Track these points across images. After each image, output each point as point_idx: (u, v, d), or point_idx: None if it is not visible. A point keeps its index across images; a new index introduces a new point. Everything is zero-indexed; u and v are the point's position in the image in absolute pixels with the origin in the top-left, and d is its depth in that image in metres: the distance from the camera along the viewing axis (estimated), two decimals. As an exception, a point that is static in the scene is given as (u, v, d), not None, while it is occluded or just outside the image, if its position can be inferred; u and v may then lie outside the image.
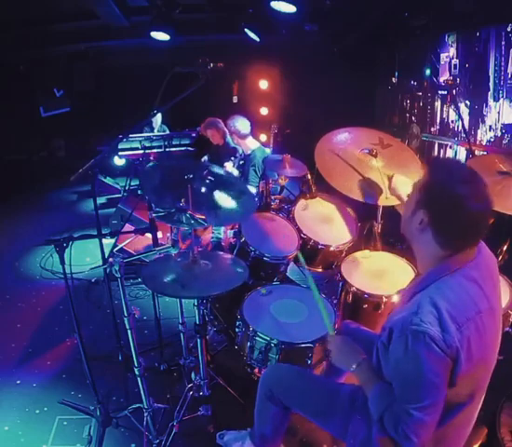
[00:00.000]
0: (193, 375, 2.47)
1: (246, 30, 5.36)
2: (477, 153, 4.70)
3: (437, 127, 5.63)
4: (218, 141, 4.49)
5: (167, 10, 4.92)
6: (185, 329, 2.49)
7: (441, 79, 5.39)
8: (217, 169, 2.07)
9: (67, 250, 1.83)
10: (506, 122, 4.46)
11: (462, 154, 5.26)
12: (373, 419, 1.38)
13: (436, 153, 5.70)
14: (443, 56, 5.28)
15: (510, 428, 2.03)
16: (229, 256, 2.23)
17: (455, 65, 5.10)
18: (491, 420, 2.07)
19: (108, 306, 3.03)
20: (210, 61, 2.22)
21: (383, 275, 2.43)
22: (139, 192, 4.86)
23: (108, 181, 6.39)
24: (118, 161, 6.45)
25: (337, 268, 2.54)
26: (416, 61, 5.83)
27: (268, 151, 4.21)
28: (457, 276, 1.30)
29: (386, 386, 1.37)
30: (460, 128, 5.18)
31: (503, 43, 4.33)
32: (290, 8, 4.30)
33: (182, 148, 4.51)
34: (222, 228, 3.65)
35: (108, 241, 3.67)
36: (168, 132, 5.92)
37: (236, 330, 2.11)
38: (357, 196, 2.26)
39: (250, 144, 4.15)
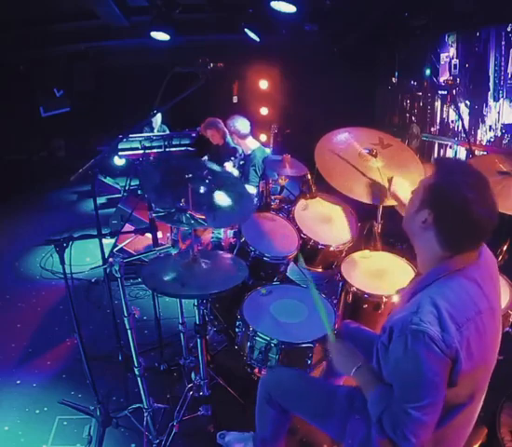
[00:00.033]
0: (193, 375, 2.47)
1: (246, 30, 5.36)
2: (477, 153, 4.70)
3: (437, 127, 5.63)
4: (218, 141, 4.49)
5: (167, 10, 4.92)
6: (185, 329, 2.49)
7: (441, 79, 5.39)
8: (214, 167, 2.07)
9: (67, 250, 1.83)
10: (506, 122, 4.46)
11: (462, 154, 5.26)
12: (372, 421, 1.38)
13: (436, 153, 5.70)
14: (443, 56, 5.28)
15: (510, 428, 2.03)
16: (229, 255, 2.23)
17: (455, 65, 5.11)
18: (491, 420, 2.07)
19: (108, 306, 3.03)
20: (210, 61, 2.22)
21: (383, 275, 2.43)
22: (139, 192, 4.87)
23: (108, 181, 6.39)
24: (118, 161, 6.45)
25: (337, 268, 2.53)
26: (416, 61, 5.84)
27: (268, 151, 4.21)
28: (458, 276, 1.30)
29: (386, 388, 1.37)
30: (460, 128, 5.18)
31: (503, 43, 4.33)
32: (290, 8, 4.30)
33: (182, 148, 4.51)
34: (222, 228, 3.65)
35: (108, 241, 3.67)
36: (168, 132, 5.92)
37: (236, 330, 2.10)
38: (358, 196, 2.25)
39: (250, 144, 4.15)
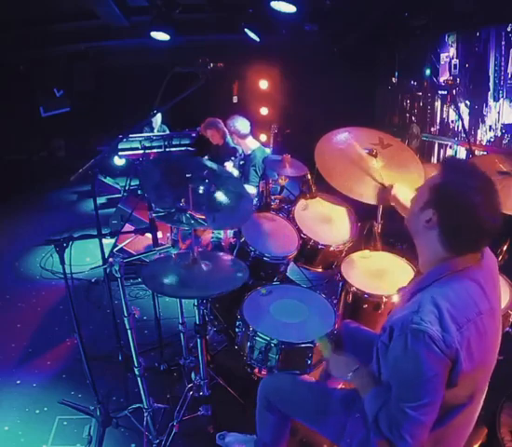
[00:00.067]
0: (193, 375, 2.47)
1: (246, 30, 5.36)
2: (477, 153, 4.70)
3: (437, 127, 5.63)
4: (218, 141, 4.49)
5: (167, 10, 4.92)
6: (185, 329, 2.49)
7: (441, 79, 5.40)
8: (214, 165, 2.07)
9: (67, 250, 1.83)
10: (506, 122, 4.46)
11: (462, 154, 5.26)
12: (368, 421, 1.38)
13: (436, 153, 5.70)
14: (443, 56, 5.28)
15: (510, 428, 2.03)
16: (229, 257, 2.23)
17: (455, 65, 5.11)
18: (491, 420, 2.07)
19: (108, 306, 3.03)
20: (210, 61, 2.22)
21: (383, 275, 2.43)
22: (139, 192, 4.88)
23: (108, 181, 6.39)
24: (118, 161, 6.45)
25: (337, 268, 2.53)
26: (416, 61, 5.84)
27: (268, 151, 4.21)
28: (459, 276, 1.30)
29: (382, 389, 1.37)
30: (460, 128, 5.18)
31: (503, 43, 4.33)
32: (290, 8, 4.30)
33: (182, 148, 4.51)
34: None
35: (108, 241, 3.67)
36: (167, 132, 5.93)
37: (236, 330, 2.10)
38: (358, 196, 2.25)
39: (250, 144, 4.15)
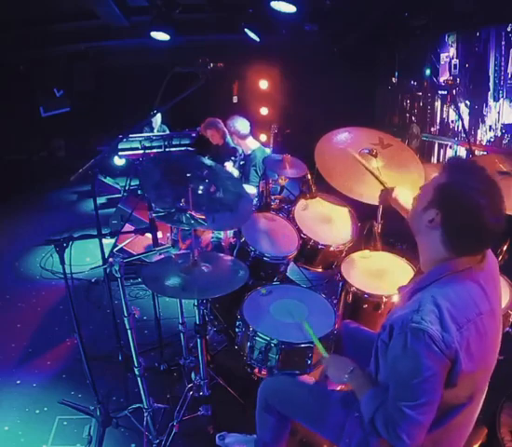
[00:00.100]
0: (193, 375, 2.47)
1: (246, 30, 5.36)
2: (477, 153, 4.70)
3: (437, 127, 5.64)
4: (218, 141, 4.49)
5: (167, 10, 4.92)
6: (185, 329, 2.49)
7: (441, 79, 5.40)
8: (211, 163, 2.07)
9: (67, 250, 1.83)
10: (506, 122, 4.46)
11: (462, 154, 5.26)
12: (365, 421, 1.38)
13: (436, 153, 5.70)
14: (443, 56, 5.28)
15: (510, 428, 2.03)
16: (230, 258, 2.23)
17: (455, 65, 5.11)
18: (491, 420, 2.06)
19: (108, 306, 3.03)
20: (210, 61, 2.21)
21: (383, 275, 2.43)
22: (139, 192, 4.88)
23: (108, 181, 6.39)
24: (118, 161, 6.45)
25: (337, 268, 2.53)
26: (416, 61, 5.84)
27: (268, 151, 4.21)
28: (460, 277, 1.29)
29: (380, 390, 1.37)
30: (460, 128, 5.18)
31: (503, 43, 4.33)
32: (290, 8, 4.30)
33: (182, 148, 4.52)
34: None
35: (108, 241, 3.67)
36: (167, 132, 5.93)
37: (236, 330, 2.10)
38: (358, 196, 2.25)
39: (251, 144, 4.15)
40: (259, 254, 2.50)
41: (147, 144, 4.26)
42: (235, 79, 7.11)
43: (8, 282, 4.06)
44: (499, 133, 4.57)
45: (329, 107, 6.16)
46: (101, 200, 6.15)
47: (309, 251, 2.63)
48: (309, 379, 1.88)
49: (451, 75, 5.21)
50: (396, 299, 2.19)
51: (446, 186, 1.29)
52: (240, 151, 4.24)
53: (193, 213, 1.88)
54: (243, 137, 4.09)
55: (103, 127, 6.54)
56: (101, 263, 2.28)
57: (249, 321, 2.00)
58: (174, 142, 4.44)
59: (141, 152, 4.25)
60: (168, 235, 2.94)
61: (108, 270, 1.87)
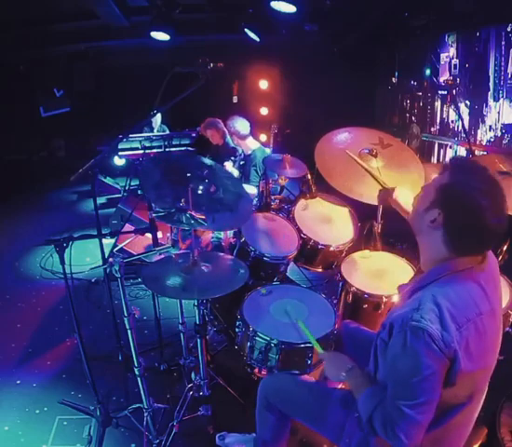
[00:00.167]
0: (193, 375, 2.47)
1: (246, 30, 5.36)
2: (477, 153, 4.70)
3: (437, 127, 5.64)
4: (217, 141, 4.49)
5: (167, 10, 4.92)
6: (185, 329, 2.49)
7: (441, 79, 5.40)
8: (211, 162, 2.07)
9: (67, 250, 1.83)
10: (506, 122, 4.46)
11: (462, 154, 5.26)
12: (363, 421, 1.38)
13: (436, 153, 5.70)
14: (443, 56, 5.29)
15: (510, 428, 2.03)
16: (230, 258, 2.23)
17: (455, 65, 5.11)
18: (491, 420, 2.06)
19: (108, 306, 3.03)
20: (210, 61, 2.21)
21: (383, 275, 2.43)
22: (139, 192, 4.88)
23: (108, 181, 6.39)
24: (118, 161, 6.45)
25: (337, 268, 2.53)
26: (416, 61, 5.84)
27: (268, 151, 4.21)
28: (461, 277, 1.29)
29: (378, 388, 1.37)
30: (460, 128, 5.18)
31: (503, 43, 4.33)
32: (290, 8, 4.30)
33: (182, 148, 4.52)
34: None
35: (108, 241, 3.67)
36: (167, 132, 5.93)
37: (236, 330, 2.10)
38: (358, 196, 2.25)
39: (251, 145, 4.15)
40: (259, 254, 2.50)
41: (147, 144, 4.26)
42: (235, 79, 7.11)
43: (8, 282, 4.06)
44: (499, 133, 4.57)
45: (329, 107, 6.16)
46: (101, 200, 6.15)
47: (309, 251, 2.63)
48: (309, 378, 1.88)
49: (451, 75, 5.21)
50: (396, 299, 2.19)
51: (448, 187, 1.29)
52: (240, 151, 4.24)
53: (193, 213, 1.88)
54: (243, 137, 4.09)
55: (103, 127, 6.54)
56: (101, 263, 2.28)
57: (249, 321, 2.00)
58: (174, 142, 4.44)
59: (141, 152, 4.25)
60: (168, 235, 2.95)
61: (108, 270, 1.87)
